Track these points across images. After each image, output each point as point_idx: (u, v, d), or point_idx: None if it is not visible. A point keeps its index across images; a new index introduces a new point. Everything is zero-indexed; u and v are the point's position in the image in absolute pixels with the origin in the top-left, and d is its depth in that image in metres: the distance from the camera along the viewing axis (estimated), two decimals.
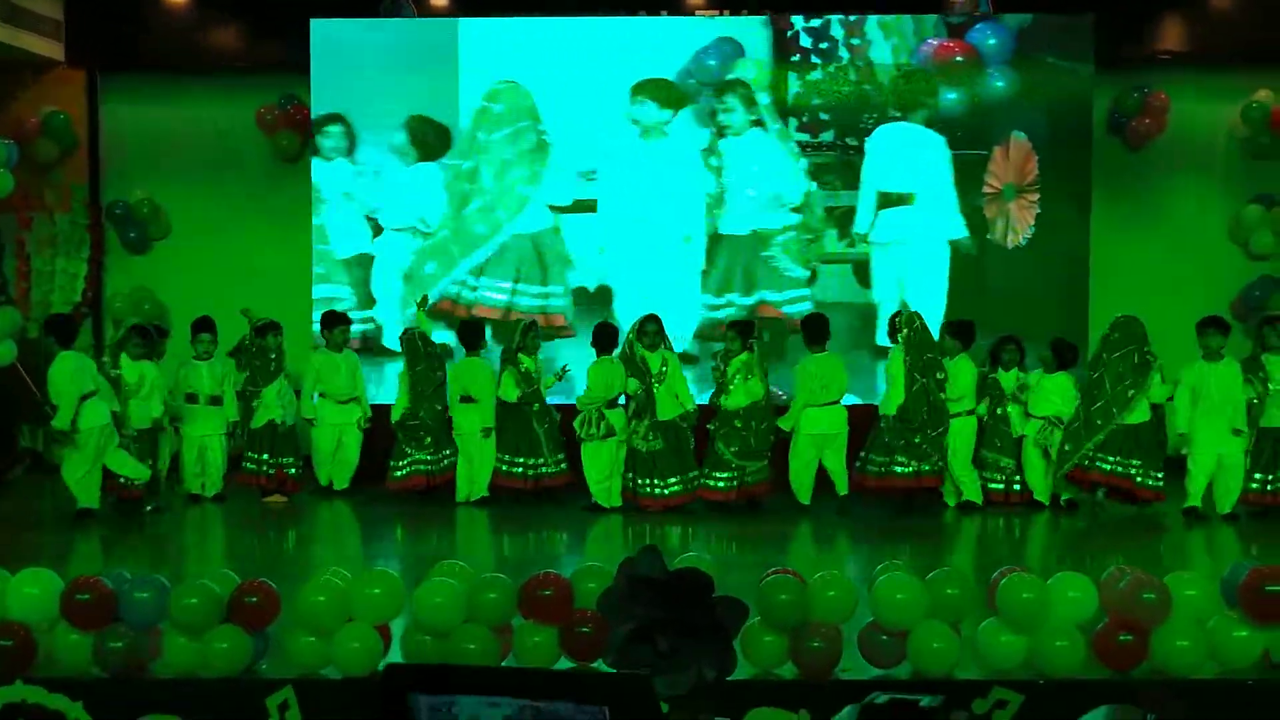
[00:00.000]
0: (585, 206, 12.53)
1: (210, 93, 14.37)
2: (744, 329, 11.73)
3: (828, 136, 12.67)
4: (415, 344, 12.14)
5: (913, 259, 13.09)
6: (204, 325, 12.21)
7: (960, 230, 13.06)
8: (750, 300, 12.85)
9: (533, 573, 6.92)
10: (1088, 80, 13.22)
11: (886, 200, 12.89)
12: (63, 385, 11.09)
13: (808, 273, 12.88)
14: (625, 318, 12.36)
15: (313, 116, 13.38)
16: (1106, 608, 6.77)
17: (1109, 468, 11.31)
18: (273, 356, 12.23)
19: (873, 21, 12.67)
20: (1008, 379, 11.86)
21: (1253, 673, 6.75)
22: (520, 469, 11.95)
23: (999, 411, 11.79)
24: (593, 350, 11.83)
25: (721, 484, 11.58)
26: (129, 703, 6.62)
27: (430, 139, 12.76)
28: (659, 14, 13.36)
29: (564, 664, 6.71)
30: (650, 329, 11.68)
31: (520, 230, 12.90)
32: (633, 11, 13.40)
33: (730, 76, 12.39)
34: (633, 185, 12.59)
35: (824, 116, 12.63)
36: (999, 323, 12.48)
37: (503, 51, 12.51)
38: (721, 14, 13.41)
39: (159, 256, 14.61)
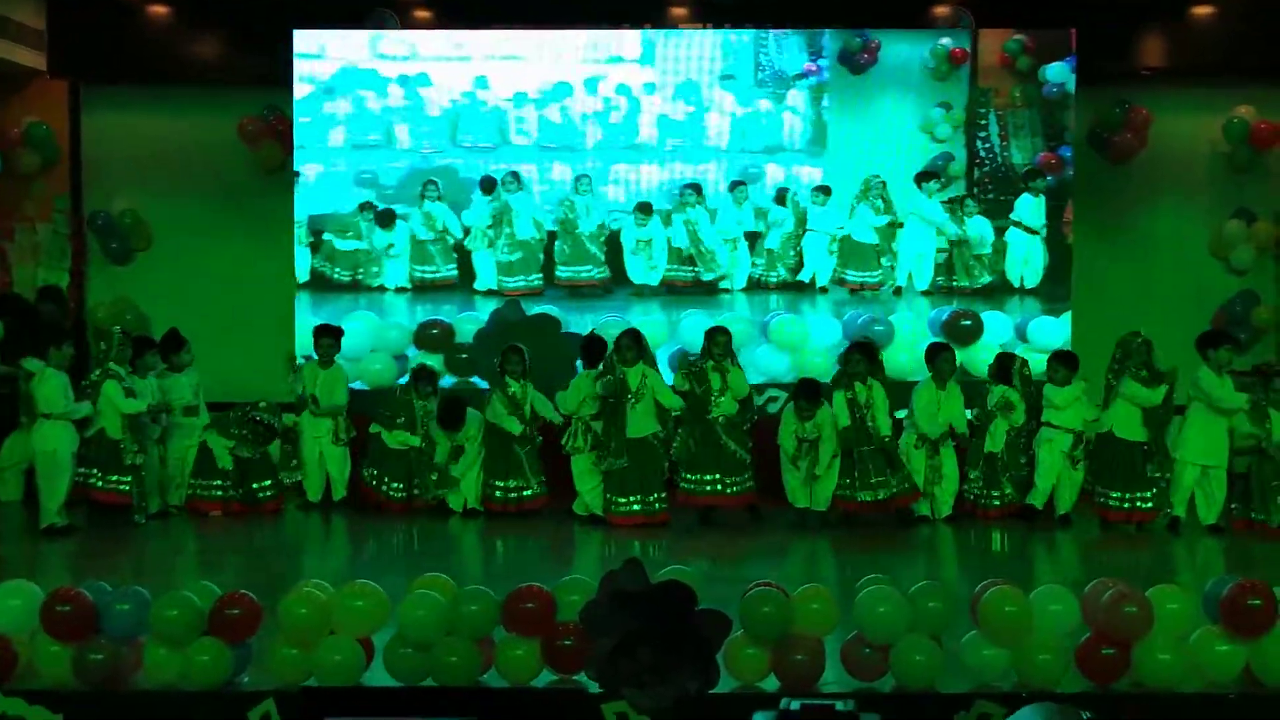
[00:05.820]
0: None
1: (192, 104, 14.35)
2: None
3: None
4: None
5: None
6: (175, 340, 12.19)
7: None
8: None
9: (518, 585, 6.92)
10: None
11: None
12: None
13: None
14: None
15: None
16: (1089, 621, 6.79)
17: None
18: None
19: None
20: (993, 394, 11.87)
21: (1234, 687, 6.77)
22: (501, 493, 11.92)
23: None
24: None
25: None
26: (109, 715, 6.63)
27: None
28: (644, 27, 13.46)
29: (546, 676, 6.72)
30: (625, 343, 11.56)
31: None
32: (617, 26, 13.47)
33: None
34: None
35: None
36: None
37: None
38: (705, 27, 13.51)
39: (141, 267, 14.57)
